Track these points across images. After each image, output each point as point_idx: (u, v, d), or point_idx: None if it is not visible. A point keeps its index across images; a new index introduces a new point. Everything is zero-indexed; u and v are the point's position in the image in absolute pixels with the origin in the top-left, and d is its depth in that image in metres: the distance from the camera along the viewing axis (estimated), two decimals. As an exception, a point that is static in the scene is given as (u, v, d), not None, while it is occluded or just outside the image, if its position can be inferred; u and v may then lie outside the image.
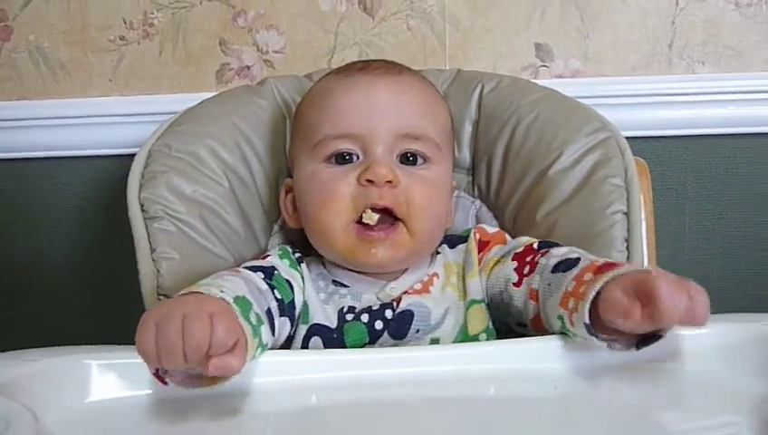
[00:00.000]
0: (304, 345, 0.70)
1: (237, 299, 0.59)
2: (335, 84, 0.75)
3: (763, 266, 1.11)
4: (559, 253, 0.68)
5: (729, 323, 0.61)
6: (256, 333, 0.58)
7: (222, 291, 0.59)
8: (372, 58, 1.06)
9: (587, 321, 0.57)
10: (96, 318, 1.13)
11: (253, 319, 0.59)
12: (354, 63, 0.78)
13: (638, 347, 0.57)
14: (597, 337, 0.57)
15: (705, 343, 0.59)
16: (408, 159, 0.72)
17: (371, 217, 0.68)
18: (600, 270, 0.60)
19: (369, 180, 0.69)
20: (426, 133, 0.72)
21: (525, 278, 0.69)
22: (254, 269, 0.69)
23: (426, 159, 0.73)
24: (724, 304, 1.10)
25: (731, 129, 1.06)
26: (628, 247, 0.78)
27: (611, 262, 0.62)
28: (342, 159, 0.71)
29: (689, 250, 1.10)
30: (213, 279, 0.64)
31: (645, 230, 0.87)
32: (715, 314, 0.66)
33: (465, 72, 0.94)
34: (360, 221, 0.70)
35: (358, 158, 0.71)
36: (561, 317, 0.61)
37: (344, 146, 0.71)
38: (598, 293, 0.57)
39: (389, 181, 0.69)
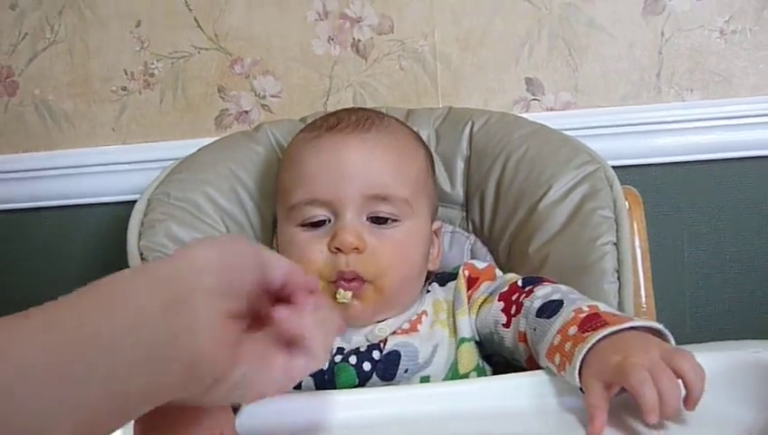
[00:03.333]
0: (296, 385, 0.70)
1: None
2: (305, 147, 0.77)
3: (765, 289, 1.11)
4: (542, 293, 0.69)
5: (714, 352, 0.61)
6: None
7: None
8: (367, 99, 1.09)
9: (579, 385, 0.58)
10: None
11: None
12: (326, 119, 0.79)
13: None
14: None
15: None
16: (378, 219, 0.73)
17: (345, 297, 0.70)
18: (584, 326, 0.60)
19: (337, 248, 0.71)
20: (394, 193, 0.73)
21: (513, 319, 0.70)
22: None
23: (396, 219, 0.74)
24: (725, 328, 1.11)
25: (722, 154, 1.07)
26: (619, 278, 0.79)
27: (594, 310, 0.63)
28: (316, 224, 0.73)
29: (689, 276, 1.11)
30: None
31: (641, 259, 0.89)
32: (710, 341, 0.66)
33: (456, 110, 0.96)
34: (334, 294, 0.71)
35: (330, 220, 0.73)
36: (549, 368, 0.62)
37: (315, 212, 0.73)
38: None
39: (356, 248, 0.70)
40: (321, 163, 0.74)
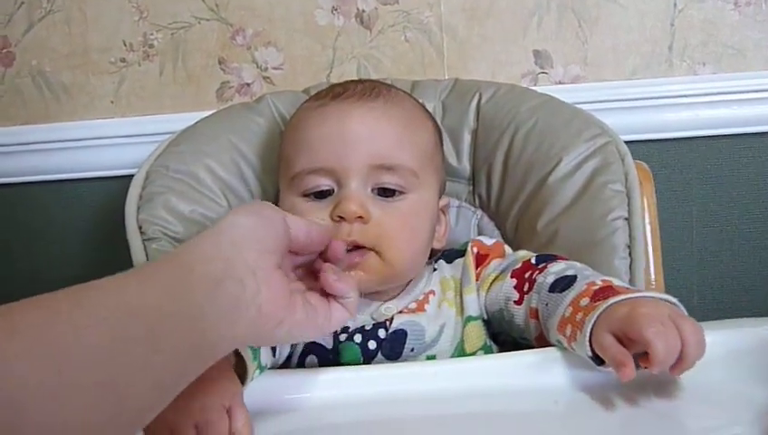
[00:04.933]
0: (300, 363, 0.69)
1: None
2: (309, 115, 0.74)
3: (775, 266, 1.09)
4: (556, 269, 0.67)
5: (729, 329, 0.59)
6: (256, 356, 0.59)
7: None
8: (371, 71, 1.06)
9: (589, 354, 0.57)
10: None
11: None
12: (332, 88, 0.77)
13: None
14: (602, 365, 0.57)
15: (707, 351, 0.57)
16: (384, 191, 0.70)
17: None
18: (596, 297, 0.59)
19: (340, 217, 0.68)
20: (401, 163, 0.70)
21: (525, 296, 0.68)
22: None
23: (402, 191, 0.71)
24: (734, 306, 1.10)
25: (734, 129, 1.05)
26: (630, 254, 0.77)
27: (608, 283, 0.62)
28: (320, 194, 0.70)
29: (698, 253, 1.09)
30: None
31: (650, 235, 0.87)
32: (719, 319, 0.65)
33: (463, 82, 0.93)
34: None
35: (333, 191, 0.70)
36: (559, 341, 0.61)
37: (318, 182, 0.70)
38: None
39: (360, 217, 0.68)
40: (326, 131, 0.71)
